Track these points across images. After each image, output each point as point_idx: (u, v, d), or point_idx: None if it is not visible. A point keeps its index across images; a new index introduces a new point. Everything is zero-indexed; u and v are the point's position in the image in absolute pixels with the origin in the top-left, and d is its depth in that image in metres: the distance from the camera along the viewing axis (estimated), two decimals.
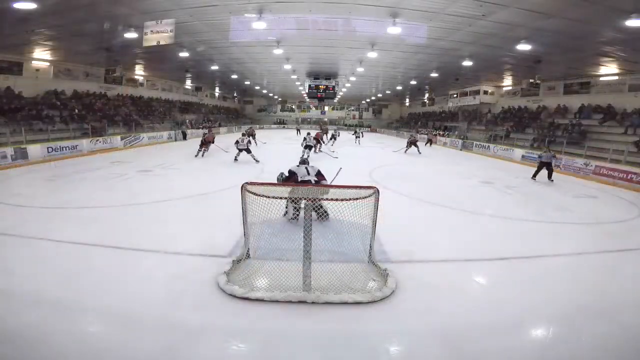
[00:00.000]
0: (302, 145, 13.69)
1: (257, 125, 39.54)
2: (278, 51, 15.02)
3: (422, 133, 27.78)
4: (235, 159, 11.58)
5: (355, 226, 4.51)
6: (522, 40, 11.25)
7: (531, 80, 17.02)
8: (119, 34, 11.67)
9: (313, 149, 14.12)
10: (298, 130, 30.43)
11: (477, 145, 19.41)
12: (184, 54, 15.16)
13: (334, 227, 4.80)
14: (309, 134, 14.80)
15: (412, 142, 16.64)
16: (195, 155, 12.61)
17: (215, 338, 2.66)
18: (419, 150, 16.27)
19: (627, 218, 6.45)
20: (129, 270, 3.65)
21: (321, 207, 4.57)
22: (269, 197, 3.50)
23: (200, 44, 14.35)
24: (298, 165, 5.39)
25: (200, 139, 13.38)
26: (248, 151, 11.56)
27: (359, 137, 21.83)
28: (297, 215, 4.95)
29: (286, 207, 5.06)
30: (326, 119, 42.99)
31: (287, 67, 19.85)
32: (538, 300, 3.28)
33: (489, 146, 18.12)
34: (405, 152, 16.37)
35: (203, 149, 12.83)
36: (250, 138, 14.49)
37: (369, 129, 40.51)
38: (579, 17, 8.94)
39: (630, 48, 10.90)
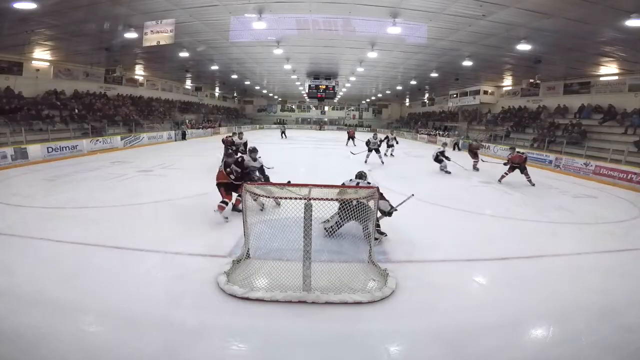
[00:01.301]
0: (367, 145, 12.21)
1: (257, 125, 39.59)
2: (278, 51, 15.00)
3: (422, 133, 27.76)
4: None
5: (355, 226, 4.52)
6: (522, 40, 11.24)
7: (531, 80, 17.00)
8: (119, 34, 11.66)
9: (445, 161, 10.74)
10: (283, 132, 25.80)
11: None
12: (184, 54, 15.13)
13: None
14: (375, 136, 12.67)
15: None
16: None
17: (215, 338, 2.66)
18: None
19: (627, 218, 6.45)
20: (129, 270, 3.65)
21: (367, 227, 4.35)
22: (269, 197, 3.51)
23: (200, 44, 14.33)
24: (351, 180, 4.85)
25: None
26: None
27: (391, 145, 14.84)
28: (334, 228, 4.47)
29: (331, 218, 4.44)
30: (326, 119, 43.03)
31: (287, 67, 19.84)
32: (538, 300, 3.28)
33: (489, 146, 18.11)
34: None
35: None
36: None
37: (369, 129, 40.50)
38: (579, 17, 8.94)
39: (630, 48, 10.89)
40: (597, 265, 4.18)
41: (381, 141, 12.30)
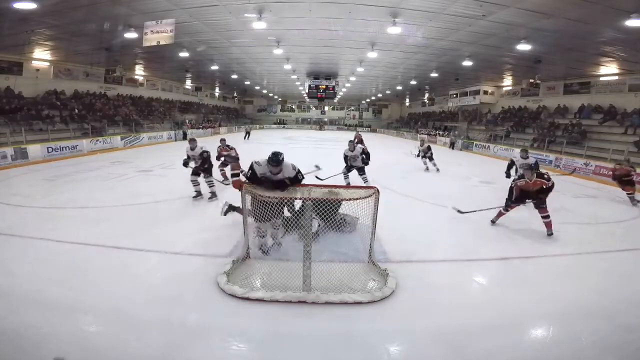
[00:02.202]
0: (346, 161, 7.92)
1: (258, 125, 39.56)
2: (278, 51, 15.02)
3: (424, 133, 27.77)
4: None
5: (358, 227, 4.52)
6: (522, 40, 11.25)
7: (531, 80, 17.02)
8: (119, 34, 11.68)
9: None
10: (248, 133, 24.03)
11: (477, 145, 19.44)
12: (184, 54, 15.16)
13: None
14: (353, 146, 7.83)
15: None
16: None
17: (215, 338, 2.66)
18: None
19: (627, 218, 6.45)
20: (129, 270, 3.65)
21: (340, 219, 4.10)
22: (269, 196, 3.51)
23: (200, 44, 14.35)
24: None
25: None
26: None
27: (426, 155, 11.15)
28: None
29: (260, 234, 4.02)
30: (326, 119, 43.02)
31: (287, 67, 19.86)
32: (538, 300, 3.28)
33: (489, 146, 18.13)
34: None
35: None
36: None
37: (369, 128, 40.47)
38: (579, 17, 8.94)
39: (630, 48, 10.90)
40: (597, 265, 4.18)
41: (365, 153, 7.87)
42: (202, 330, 2.69)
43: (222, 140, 8.32)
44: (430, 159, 11.11)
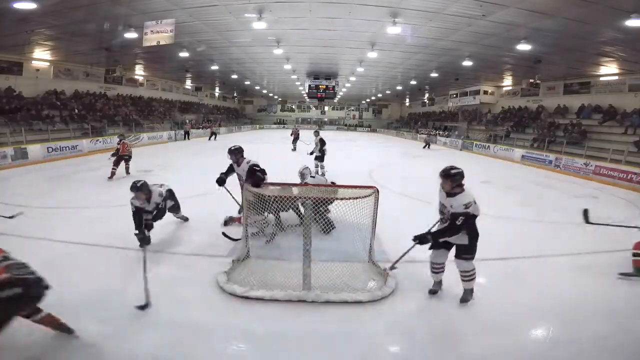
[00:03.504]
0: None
1: (258, 125, 39.51)
2: (278, 51, 15.02)
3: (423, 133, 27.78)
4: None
5: (355, 226, 4.52)
6: (522, 40, 11.24)
7: (531, 80, 17.01)
8: (119, 34, 11.67)
9: None
10: (214, 134, 22.73)
11: (477, 145, 19.44)
12: (184, 54, 15.16)
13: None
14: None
15: None
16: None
17: (215, 337, 2.66)
18: None
19: (627, 218, 6.44)
20: (129, 270, 3.64)
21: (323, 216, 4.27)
22: (269, 196, 3.52)
23: (200, 44, 14.35)
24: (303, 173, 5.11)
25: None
26: None
27: (316, 153, 9.60)
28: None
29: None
30: (326, 119, 43.01)
31: (287, 67, 19.86)
32: (538, 300, 3.28)
33: (489, 146, 18.13)
34: None
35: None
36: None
37: (369, 128, 40.45)
38: (579, 17, 8.94)
39: (630, 48, 10.89)
40: (597, 265, 4.18)
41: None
42: (202, 329, 2.69)
43: (121, 136, 9.18)
44: (321, 159, 9.06)
